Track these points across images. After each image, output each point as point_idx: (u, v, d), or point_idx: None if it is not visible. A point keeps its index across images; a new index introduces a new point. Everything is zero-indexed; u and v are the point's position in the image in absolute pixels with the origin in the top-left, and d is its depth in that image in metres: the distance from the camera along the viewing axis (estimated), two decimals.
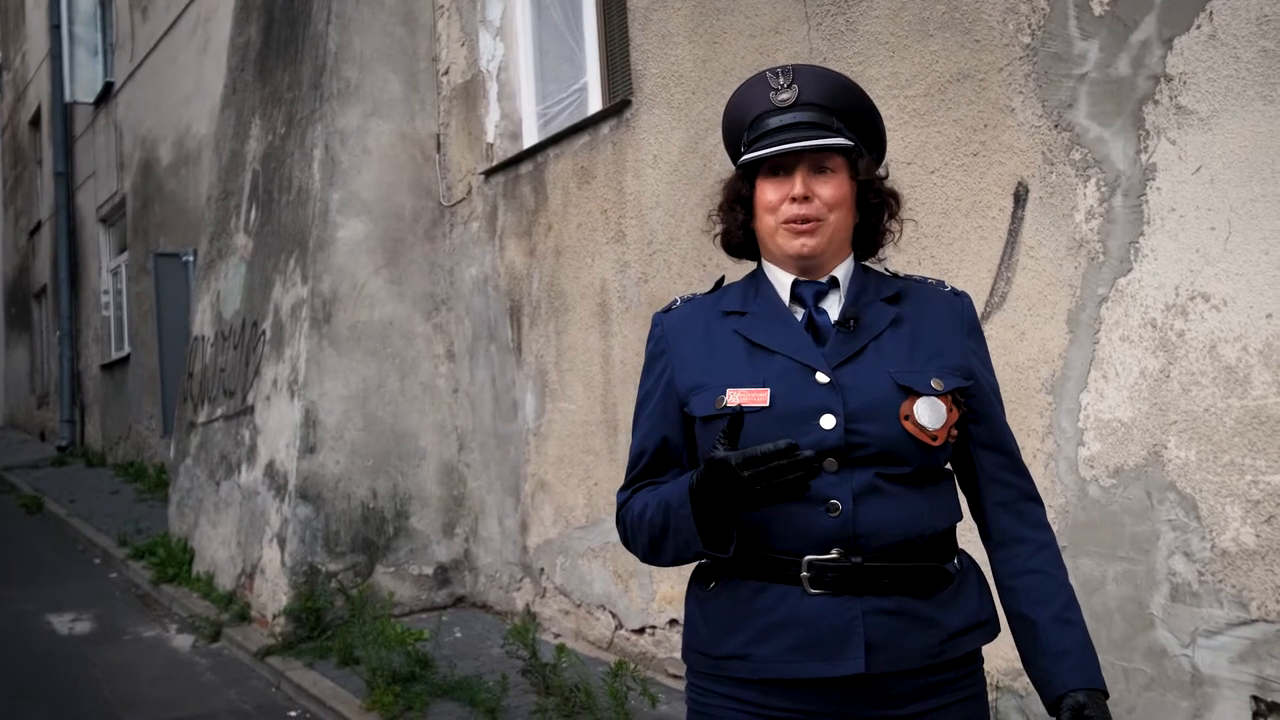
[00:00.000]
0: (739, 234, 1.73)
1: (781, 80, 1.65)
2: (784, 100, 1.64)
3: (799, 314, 1.67)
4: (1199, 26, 2.74)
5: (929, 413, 1.56)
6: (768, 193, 1.64)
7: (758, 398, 1.57)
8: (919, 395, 1.56)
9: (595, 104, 5.40)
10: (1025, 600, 1.62)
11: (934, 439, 1.56)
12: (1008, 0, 3.21)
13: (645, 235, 4.74)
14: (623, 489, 1.77)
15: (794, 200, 1.61)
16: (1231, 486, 2.68)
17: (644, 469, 1.73)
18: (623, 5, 5.05)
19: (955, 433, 1.62)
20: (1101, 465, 2.97)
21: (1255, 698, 2.66)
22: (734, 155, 1.76)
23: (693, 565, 1.72)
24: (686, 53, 4.51)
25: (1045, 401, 3.11)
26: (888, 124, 3.50)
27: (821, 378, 1.57)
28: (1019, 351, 3.17)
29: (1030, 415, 3.13)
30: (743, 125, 1.71)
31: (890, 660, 1.52)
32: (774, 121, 1.64)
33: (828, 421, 1.54)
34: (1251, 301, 2.64)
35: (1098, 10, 2.97)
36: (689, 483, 1.54)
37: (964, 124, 3.35)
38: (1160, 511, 2.83)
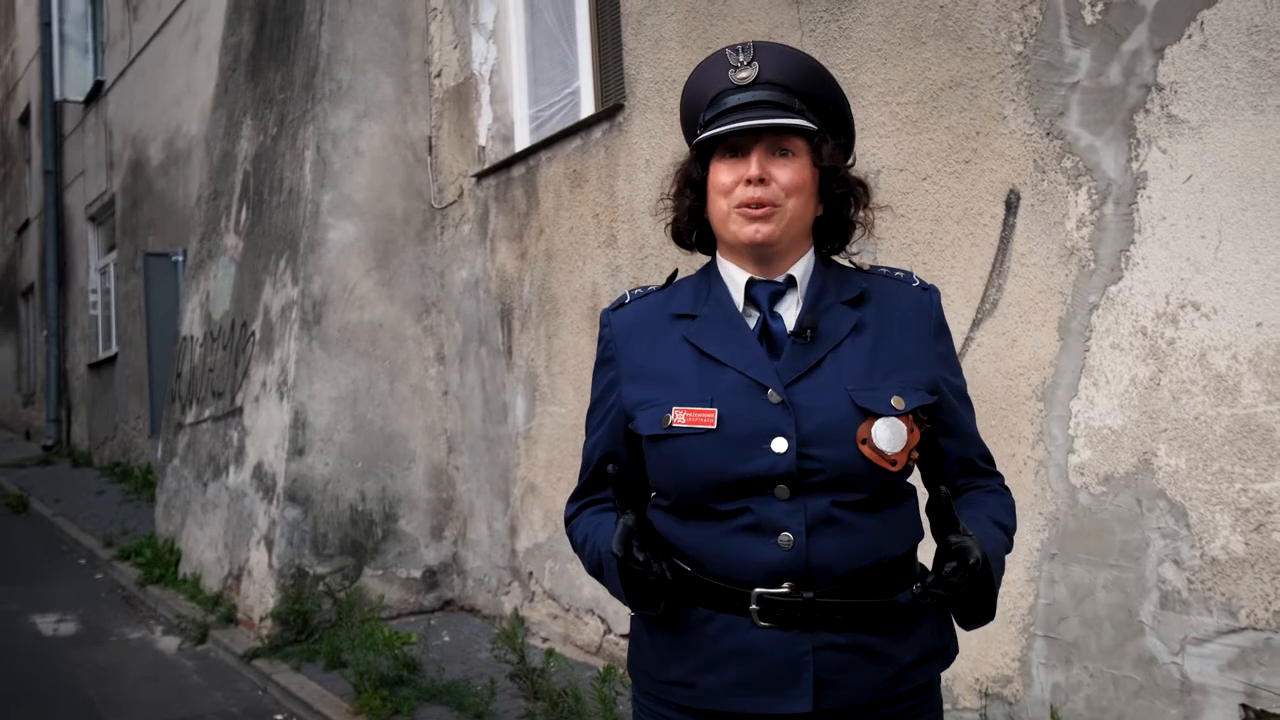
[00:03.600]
0: (688, 222, 1.64)
1: (741, 57, 1.55)
2: (743, 78, 1.54)
3: (753, 319, 1.56)
4: (1190, 36, 2.75)
5: (888, 435, 1.45)
6: (721, 174, 1.54)
7: (704, 418, 1.47)
8: (878, 416, 1.46)
9: (588, 108, 5.40)
10: (962, 503, 1.56)
11: (893, 464, 1.46)
12: (1000, 8, 3.22)
13: (637, 240, 4.74)
14: (571, 499, 1.71)
15: (749, 182, 1.50)
16: (1221, 494, 2.69)
17: (589, 481, 1.68)
18: (616, 9, 5.05)
19: (916, 455, 1.51)
20: (1092, 473, 2.98)
21: (1244, 705, 2.67)
22: (690, 138, 1.64)
23: None
24: (679, 57, 4.51)
25: (1036, 409, 3.11)
26: (880, 131, 3.54)
27: (774, 396, 1.47)
28: (1010, 358, 3.17)
29: (1020, 422, 3.13)
30: (700, 105, 1.60)
31: (840, 697, 1.46)
32: (732, 100, 1.54)
33: (779, 445, 1.44)
34: (1241, 310, 2.65)
35: (1089, 19, 2.98)
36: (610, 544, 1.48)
37: (956, 131, 3.36)
38: (1150, 519, 2.84)
